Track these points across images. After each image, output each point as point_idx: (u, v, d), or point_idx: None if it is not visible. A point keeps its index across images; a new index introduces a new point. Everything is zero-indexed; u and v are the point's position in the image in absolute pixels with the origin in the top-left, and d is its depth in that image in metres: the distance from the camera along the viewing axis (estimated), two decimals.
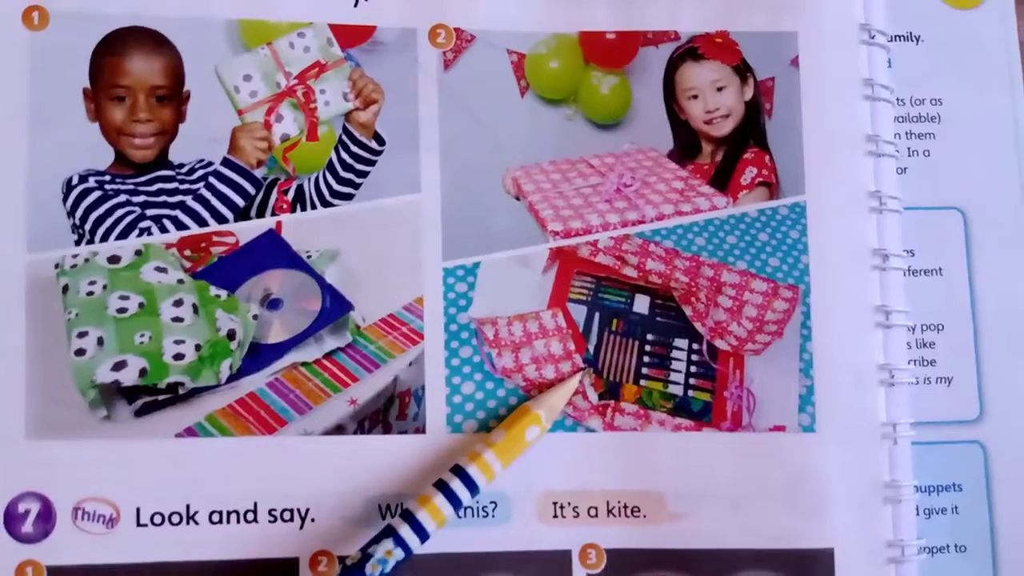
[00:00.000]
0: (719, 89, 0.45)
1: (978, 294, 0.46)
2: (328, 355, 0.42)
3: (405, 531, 0.39)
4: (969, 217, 0.46)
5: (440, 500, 0.39)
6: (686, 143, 0.45)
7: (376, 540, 0.39)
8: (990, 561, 0.44)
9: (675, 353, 0.43)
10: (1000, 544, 0.44)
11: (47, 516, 0.40)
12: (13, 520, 0.40)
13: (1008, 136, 0.46)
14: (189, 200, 0.43)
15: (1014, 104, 0.47)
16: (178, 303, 0.42)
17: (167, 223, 0.43)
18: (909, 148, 0.46)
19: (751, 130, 0.45)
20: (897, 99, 0.46)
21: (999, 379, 0.45)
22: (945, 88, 0.47)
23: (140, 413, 0.41)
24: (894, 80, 0.45)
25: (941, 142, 0.46)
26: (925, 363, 0.45)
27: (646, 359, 0.43)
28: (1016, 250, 0.46)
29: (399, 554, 0.38)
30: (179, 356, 0.41)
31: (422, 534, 0.39)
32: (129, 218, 0.42)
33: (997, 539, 0.44)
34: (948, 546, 0.44)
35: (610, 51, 0.45)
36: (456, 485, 0.39)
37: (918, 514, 0.43)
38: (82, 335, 0.41)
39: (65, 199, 0.42)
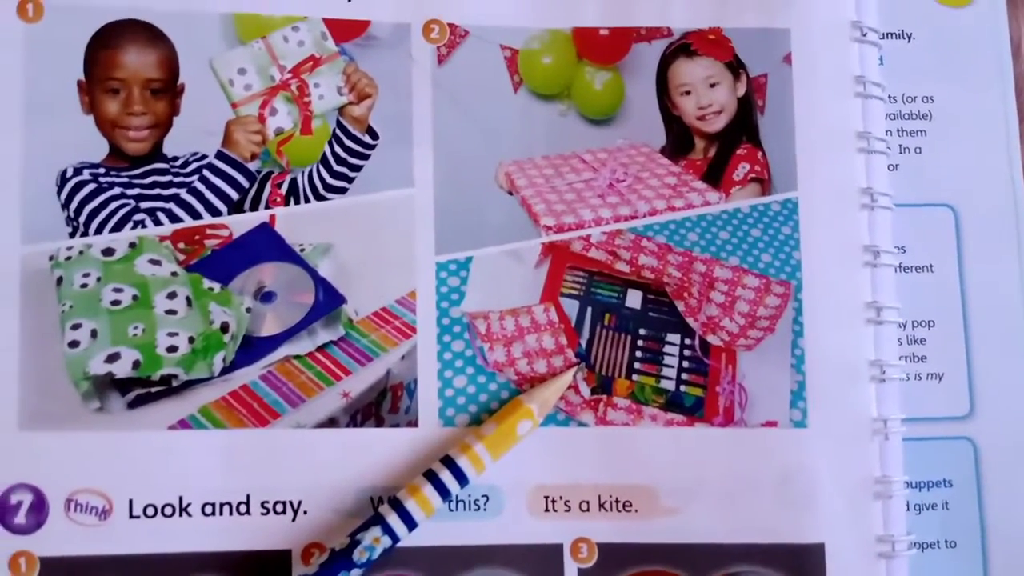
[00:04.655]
0: (712, 85, 0.45)
1: (969, 291, 0.46)
2: (321, 348, 0.42)
3: (393, 519, 0.39)
4: (960, 214, 0.46)
5: (429, 490, 0.39)
6: (679, 139, 0.45)
7: (364, 527, 0.39)
8: (980, 557, 0.44)
9: (667, 348, 0.43)
10: (990, 540, 0.44)
11: (40, 507, 0.40)
12: (6, 511, 0.40)
13: (999, 134, 0.47)
14: (183, 193, 0.43)
15: (1005, 102, 0.47)
16: (172, 295, 0.42)
17: (161, 216, 0.43)
18: (901, 145, 0.46)
19: (744, 126, 0.45)
20: (889, 97, 0.46)
21: (990, 375, 0.45)
22: (937, 86, 0.47)
23: (133, 405, 0.41)
24: (886, 78, 0.45)
25: (932, 140, 0.47)
26: (916, 359, 0.45)
27: (638, 354, 0.43)
28: (1007, 247, 0.46)
29: (386, 542, 0.39)
30: (172, 348, 0.41)
31: (410, 523, 0.39)
32: (123, 211, 0.42)
33: (987, 535, 0.44)
34: (938, 542, 0.44)
35: (603, 47, 0.45)
36: (446, 476, 0.40)
37: (908, 510, 0.43)
38: (76, 327, 0.41)
39: (59, 191, 0.42)
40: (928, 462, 0.44)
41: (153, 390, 0.41)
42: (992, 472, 0.44)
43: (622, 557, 0.42)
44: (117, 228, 0.42)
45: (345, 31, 0.44)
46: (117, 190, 0.42)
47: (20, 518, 0.40)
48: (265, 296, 0.43)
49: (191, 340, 0.41)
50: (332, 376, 0.42)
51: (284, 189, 0.43)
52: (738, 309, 0.44)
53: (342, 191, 0.43)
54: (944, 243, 0.46)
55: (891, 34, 0.47)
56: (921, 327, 0.45)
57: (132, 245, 0.42)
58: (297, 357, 0.42)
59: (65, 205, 0.42)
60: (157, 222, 0.43)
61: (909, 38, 0.47)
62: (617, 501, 0.42)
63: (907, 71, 0.47)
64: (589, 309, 0.44)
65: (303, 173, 0.44)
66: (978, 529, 0.44)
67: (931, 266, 0.46)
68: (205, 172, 0.43)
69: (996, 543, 0.44)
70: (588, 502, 0.42)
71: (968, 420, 0.45)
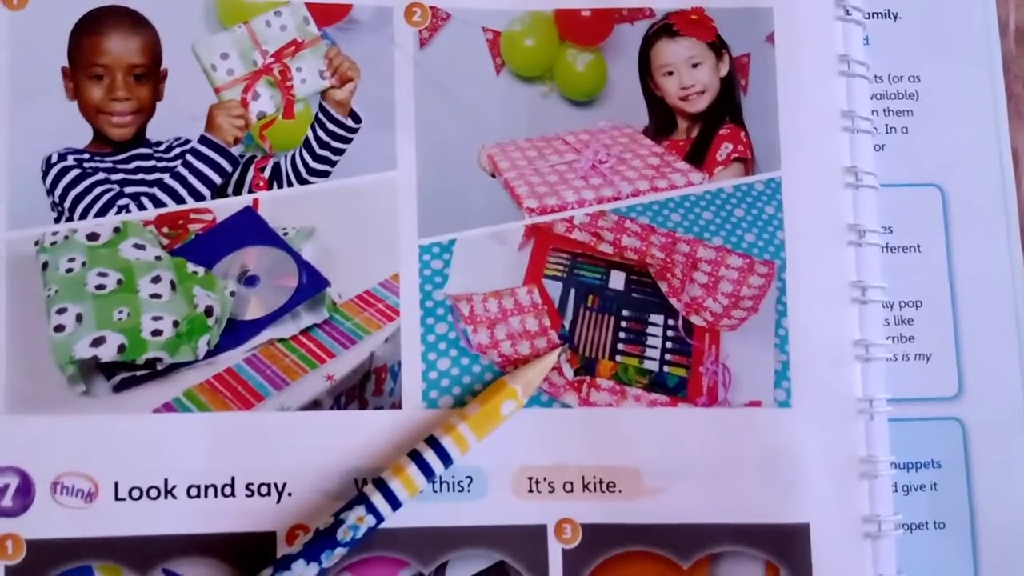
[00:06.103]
0: (694, 66, 0.45)
1: (956, 271, 0.45)
2: (305, 331, 0.43)
3: (377, 499, 0.39)
4: (947, 194, 0.46)
5: (413, 470, 0.39)
6: (661, 119, 0.45)
7: (348, 507, 0.39)
8: (969, 538, 0.44)
9: (651, 329, 0.43)
10: (979, 521, 0.44)
11: (26, 490, 0.40)
12: None
13: (986, 113, 0.46)
14: (166, 178, 0.43)
15: (992, 81, 0.46)
16: (156, 280, 0.42)
17: (145, 200, 0.43)
18: (887, 125, 0.46)
19: (726, 106, 0.45)
20: (875, 76, 0.46)
21: (978, 356, 0.45)
22: (923, 65, 0.47)
23: (118, 388, 0.41)
24: (872, 57, 0.45)
25: (919, 119, 0.46)
26: (904, 340, 0.45)
27: (621, 335, 0.43)
28: (995, 227, 0.46)
29: (371, 521, 0.39)
30: (157, 332, 0.41)
31: (394, 502, 0.39)
32: (107, 196, 0.43)
33: (976, 516, 0.44)
34: (927, 523, 0.44)
35: (585, 28, 0.45)
36: (430, 456, 0.40)
37: (896, 491, 0.43)
38: (61, 311, 0.41)
39: (44, 177, 0.42)
40: (916, 443, 0.44)
41: (138, 374, 0.41)
42: (981, 453, 0.44)
43: (606, 538, 0.42)
44: (101, 213, 0.42)
45: (327, 15, 0.44)
46: (101, 175, 0.43)
47: (7, 501, 0.40)
48: (249, 280, 0.43)
49: (175, 324, 0.41)
50: (316, 359, 0.42)
51: (267, 173, 0.44)
52: (721, 289, 0.43)
53: (325, 175, 0.43)
54: (931, 223, 0.46)
55: (877, 13, 0.47)
56: (909, 307, 0.45)
57: (116, 230, 0.42)
58: (281, 340, 0.42)
59: (50, 191, 0.42)
60: (141, 207, 0.43)
61: (895, 17, 0.47)
62: (601, 482, 0.42)
63: (893, 50, 0.46)
64: (572, 290, 0.44)
65: (286, 157, 0.44)
66: (967, 510, 0.44)
67: (918, 246, 0.46)
68: (188, 157, 0.43)
69: (985, 524, 0.44)
70: (572, 483, 0.42)
71: (956, 401, 0.45)
